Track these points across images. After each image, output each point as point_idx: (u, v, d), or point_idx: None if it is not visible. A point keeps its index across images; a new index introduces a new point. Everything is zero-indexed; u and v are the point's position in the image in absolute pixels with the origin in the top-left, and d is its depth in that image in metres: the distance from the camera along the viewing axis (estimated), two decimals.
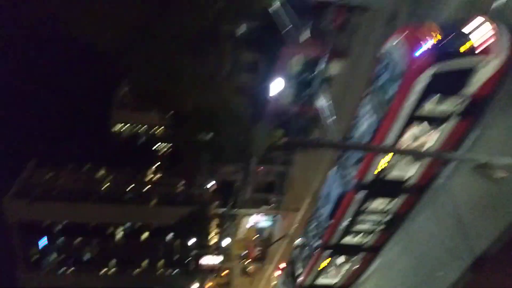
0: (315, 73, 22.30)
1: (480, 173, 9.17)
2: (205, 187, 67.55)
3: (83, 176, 78.70)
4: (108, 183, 77.90)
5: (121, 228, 77.23)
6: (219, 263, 44.62)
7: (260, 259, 38.48)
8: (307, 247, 19.04)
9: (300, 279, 19.39)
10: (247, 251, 40.58)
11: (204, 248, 53.34)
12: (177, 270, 76.38)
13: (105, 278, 78.02)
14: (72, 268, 77.24)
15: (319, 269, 18.18)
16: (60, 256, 77.24)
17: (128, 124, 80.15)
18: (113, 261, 77.22)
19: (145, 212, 75.35)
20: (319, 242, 17.27)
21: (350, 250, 17.24)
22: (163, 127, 74.04)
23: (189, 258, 66.37)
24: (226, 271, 52.30)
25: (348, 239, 16.44)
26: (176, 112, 30.27)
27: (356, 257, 17.61)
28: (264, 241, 40.58)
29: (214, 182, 48.36)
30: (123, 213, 74.18)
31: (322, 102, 17.80)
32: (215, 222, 66.84)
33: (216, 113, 25.97)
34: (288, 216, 34.07)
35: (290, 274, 21.17)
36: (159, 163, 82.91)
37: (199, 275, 57.33)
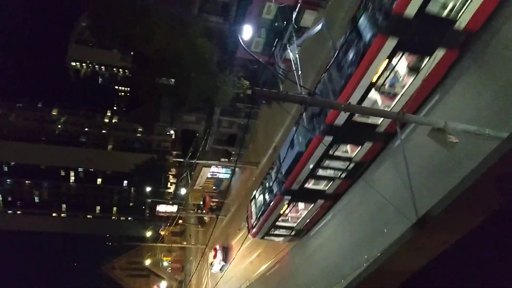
0: (287, 22, 21.45)
1: (434, 137, 9.26)
2: (164, 135, 66.36)
3: (35, 115, 74.71)
4: (62, 124, 74.59)
5: (74, 172, 75.20)
6: (174, 212, 44.64)
7: (216, 210, 38.83)
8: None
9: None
10: (203, 202, 40.77)
11: (160, 196, 53.11)
12: (131, 217, 76.32)
13: (56, 222, 76.74)
14: (21, 211, 75.24)
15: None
16: (8, 198, 74.65)
17: (86, 63, 75.58)
18: (64, 205, 75.74)
19: (100, 157, 73.51)
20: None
21: None
22: (123, 68, 70.40)
23: (144, 206, 66.31)
24: (181, 220, 52.82)
25: None
26: (138, 52, 28.47)
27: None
28: (221, 193, 40.91)
29: (174, 130, 47.43)
30: (77, 156, 71.90)
31: (292, 54, 17.05)
32: (173, 171, 66.52)
33: (181, 56, 24.59)
34: (247, 169, 34.21)
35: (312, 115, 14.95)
36: (117, 106, 79.90)
37: (153, 223, 57.54)
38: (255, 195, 20.37)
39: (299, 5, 19.97)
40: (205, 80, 25.18)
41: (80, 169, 73.65)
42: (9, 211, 76.34)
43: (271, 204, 17.66)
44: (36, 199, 75.44)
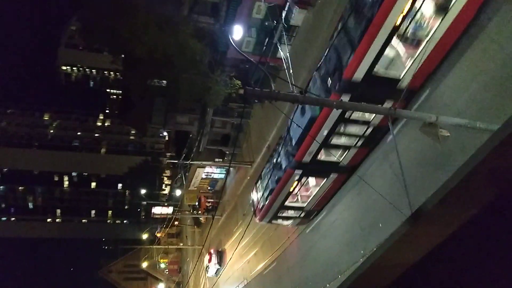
0: (277, 21, 21.47)
1: (426, 132, 9.33)
2: (158, 137, 66.19)
3: (27, 121, 73.99)
4: (55, 129, 73.95)
5: (67, 177, 74.60)
6: (170, 214, 44.56)
7: (212, 210, 38.82)
8: None
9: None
10: (198, 202, 40.74)
11: (155, 198, 52.91)
12: (127, 220, 75.97)
13: (51, 227, 76.15)
14: (15, 217, 74.54)
15: None
16: (1, 204, 73.92)
17: (77, 67, 75.02)
18: (59, 210, 75.17)
19: (94, 160, 73.03)
20: None
21: None
22: (114, 71, 69.98)
23: (140, 208, 66.09)
24: (177, 222, 52.73)
25: None
26: (128, 54, 28.32)
27: None
28: (216, 193, 40.89)
29: (167, 131, 47.28)
30: (70, 161, 71.34)
31: (282, 53, 17.05)
32: (167, 173, 66.36)
33: (172, 57, 24.52)
34: (241, 169, 34.23)
35: None
36: (109, 109, 79.41)
37: (149, 226, 57.44)
38: (261, 174, 18.64)
39: (288, 4, 19.98)
40: (196, 80, 25.14)
41: (73, 174, 73.13)
42: (3, 218, 75.52)
43: (280, 181, 15.99)
44: (30, 205, 74.75)
